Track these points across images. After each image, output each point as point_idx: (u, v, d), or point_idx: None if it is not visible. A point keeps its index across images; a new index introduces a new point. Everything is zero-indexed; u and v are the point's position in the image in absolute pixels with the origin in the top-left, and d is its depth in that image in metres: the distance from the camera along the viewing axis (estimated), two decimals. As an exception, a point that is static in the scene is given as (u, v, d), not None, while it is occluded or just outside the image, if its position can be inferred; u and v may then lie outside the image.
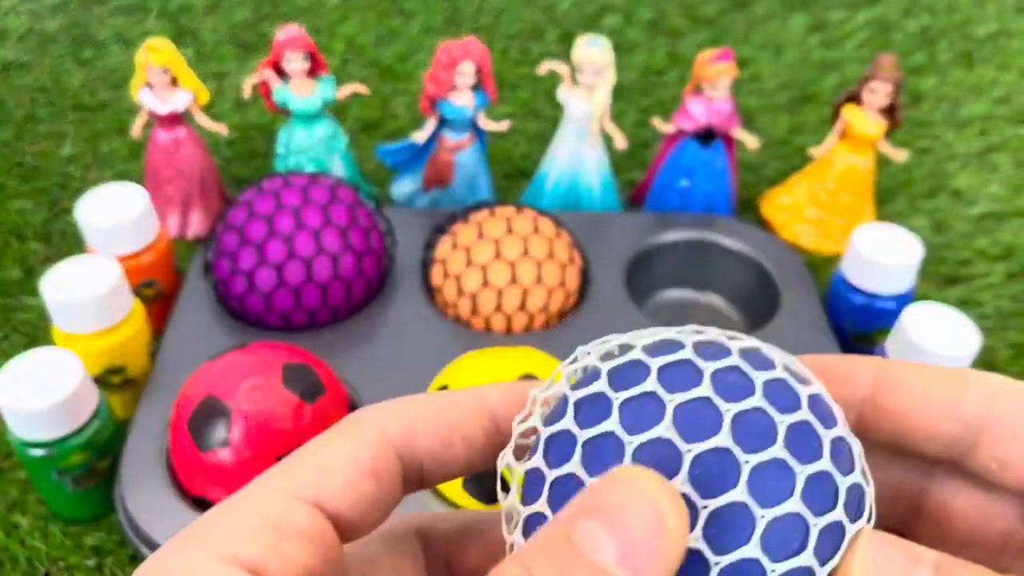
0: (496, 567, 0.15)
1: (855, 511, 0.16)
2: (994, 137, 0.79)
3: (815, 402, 0.17)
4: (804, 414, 0.16)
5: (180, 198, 0.65)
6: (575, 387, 0.18)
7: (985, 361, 0.59)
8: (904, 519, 0.21)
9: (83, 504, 0.47)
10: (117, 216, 0.53)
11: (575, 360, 0.19)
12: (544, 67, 0.64)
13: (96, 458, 0.46)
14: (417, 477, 0.19)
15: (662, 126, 0.65)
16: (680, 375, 0.17)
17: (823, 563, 0.16)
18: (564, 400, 0.18)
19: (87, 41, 0.88)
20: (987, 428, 0.18)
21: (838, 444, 0.17)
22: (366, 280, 0.55)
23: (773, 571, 0.15)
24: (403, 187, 0.67)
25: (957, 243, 0.68)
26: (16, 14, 0.91)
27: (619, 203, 0.68)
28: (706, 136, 0.64)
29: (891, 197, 0.72)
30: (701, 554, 0.15)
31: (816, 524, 0.16)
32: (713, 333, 0.18)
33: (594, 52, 0.60)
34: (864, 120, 0.63)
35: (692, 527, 0.15)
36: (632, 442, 0.16)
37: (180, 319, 0.55)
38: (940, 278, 0.65)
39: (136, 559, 0.46)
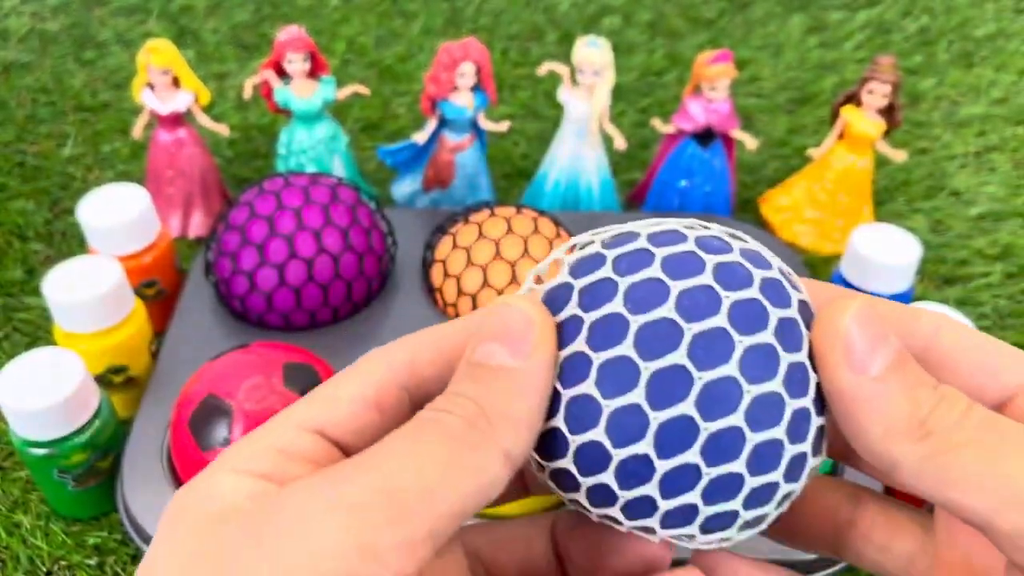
0: (435, 400, 0.18)
1: (821, 407, 0.19)
2: (992, 137, 0.79)
3: (803, 306, 0.19)
4: (793, 312, 0.18)
5: (181, 198, 0.65)
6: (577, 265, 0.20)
7: (983, 361, 0.59)
8: (832, 546, 0.22)
9: (84, 503, 0.47)
10: (118, 216, 0.53)
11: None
12: (544, 68, 0.64)
13: (97, 457, 0.46)
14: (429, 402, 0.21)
15: (661, 127, 0.65)
16: (684, 263, 0.19)
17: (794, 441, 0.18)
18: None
19: (88, 42, 0.88)
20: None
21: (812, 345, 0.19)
22: (367, 280, 0.55)
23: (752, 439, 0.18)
24: (403, 187, 0.67)
25: (955, 243, 0.68)
26: (18, 15, 0.91)
27: (619, 203, 0.68)
28: (705, 136, 0.64)
29: (890, 197, 0.72)
30: (693, 420, 0.17)
31: (791, 405, 0.18)
32: (716, 229, 0.20)
33: (593, 53, 0.60)
34: (863, 121, 0.63)
35: (685, 397, 0.17)
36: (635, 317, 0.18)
37: (182, 319, 0.55)
38: (939, 278, 0.65)
39: (137, 558, 0.46)
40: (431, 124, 0.63)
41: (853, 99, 0.63)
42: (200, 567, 0.16)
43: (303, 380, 0.45)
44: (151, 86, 0.62)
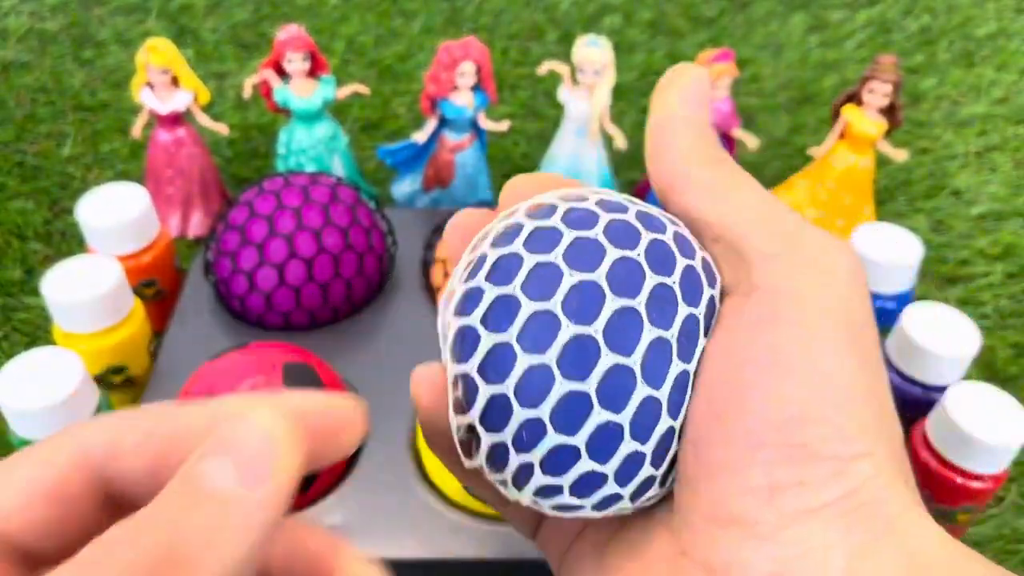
0: (127, 518, 0.15)
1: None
2: (993, 137, 0.79)
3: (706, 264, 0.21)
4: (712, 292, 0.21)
5: (181, 198, 0.65)
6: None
7: (985, 361, 0.59)
8: None
9: (84, 503, 0.47)
10: (117, 216, 0.53)
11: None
12: (544, 67, 0.64)
13: (97, 457, 0.46)
14: (131, 500, 0.17)
15: (662, 126, 0.65)
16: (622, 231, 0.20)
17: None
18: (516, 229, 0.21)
19: (87, 41, 0.88)
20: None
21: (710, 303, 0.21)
22: (367, 280, 0.55)
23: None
24: (403, 187, 0.67)
25: (957, 243, 0.68)
26: (16, 14, 0.91)
27: (619, 203, 0.68)
28: (706, 136, 0.64)
29: (891, 197, 0.72)
30: (586, 394, 0.19)
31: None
32: (641, 205, 0.22)
33: (594, 52, 0.60)
34: (864, 120, 0.63)
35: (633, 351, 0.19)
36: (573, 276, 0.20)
37: (181, 318, 0.55)
38: (940, 278, 0.65)
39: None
40: (431, 124, 0.63)
41: (854, 98, 0.63)
42: None
43: (303, 380, 0.45)
44: (150, 85, 0.62)
